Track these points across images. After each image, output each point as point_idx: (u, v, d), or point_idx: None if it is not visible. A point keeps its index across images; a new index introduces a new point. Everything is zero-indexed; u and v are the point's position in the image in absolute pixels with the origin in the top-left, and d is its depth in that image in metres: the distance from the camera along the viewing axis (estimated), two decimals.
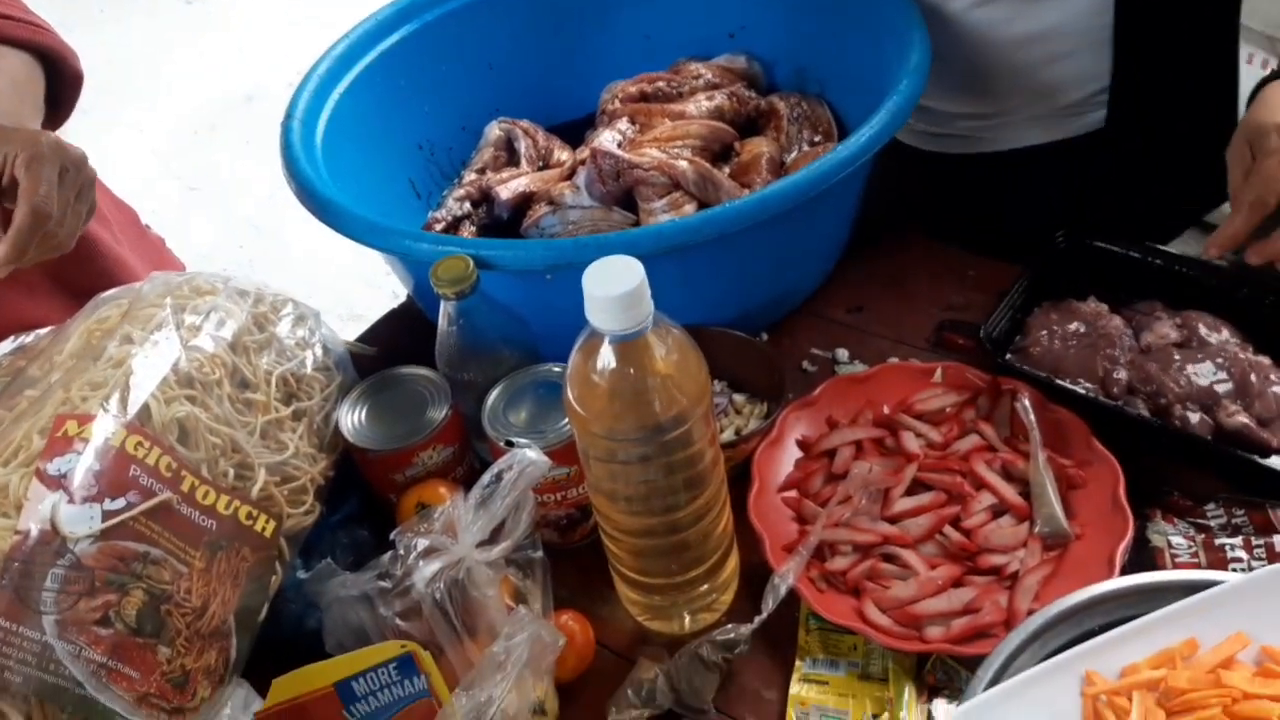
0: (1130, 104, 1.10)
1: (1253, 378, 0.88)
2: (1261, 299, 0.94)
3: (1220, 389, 0.88)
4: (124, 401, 0.72)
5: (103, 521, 0.67)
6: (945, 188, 1.26)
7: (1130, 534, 0.79)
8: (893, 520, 0.85)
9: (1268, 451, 0.85)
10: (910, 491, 0.87)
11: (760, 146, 1.13)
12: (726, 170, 1.12)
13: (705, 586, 0.81)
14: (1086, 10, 1.05)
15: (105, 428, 0.70)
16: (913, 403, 0.94)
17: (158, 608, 0.68)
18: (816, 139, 1.15)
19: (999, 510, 0.85)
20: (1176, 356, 0.91)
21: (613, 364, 0.67)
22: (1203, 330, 0.94)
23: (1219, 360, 0.90)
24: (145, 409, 0.73)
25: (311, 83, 1.12)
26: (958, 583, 0.81)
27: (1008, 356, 0.95)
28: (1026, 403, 0.89)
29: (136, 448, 0.70)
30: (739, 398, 0.98)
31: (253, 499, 0.77)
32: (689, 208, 1.06)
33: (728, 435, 0.94)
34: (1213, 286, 0.96)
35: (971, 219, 1.19)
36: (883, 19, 1.07)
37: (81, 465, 0.67)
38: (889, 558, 0.83)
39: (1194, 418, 0.87)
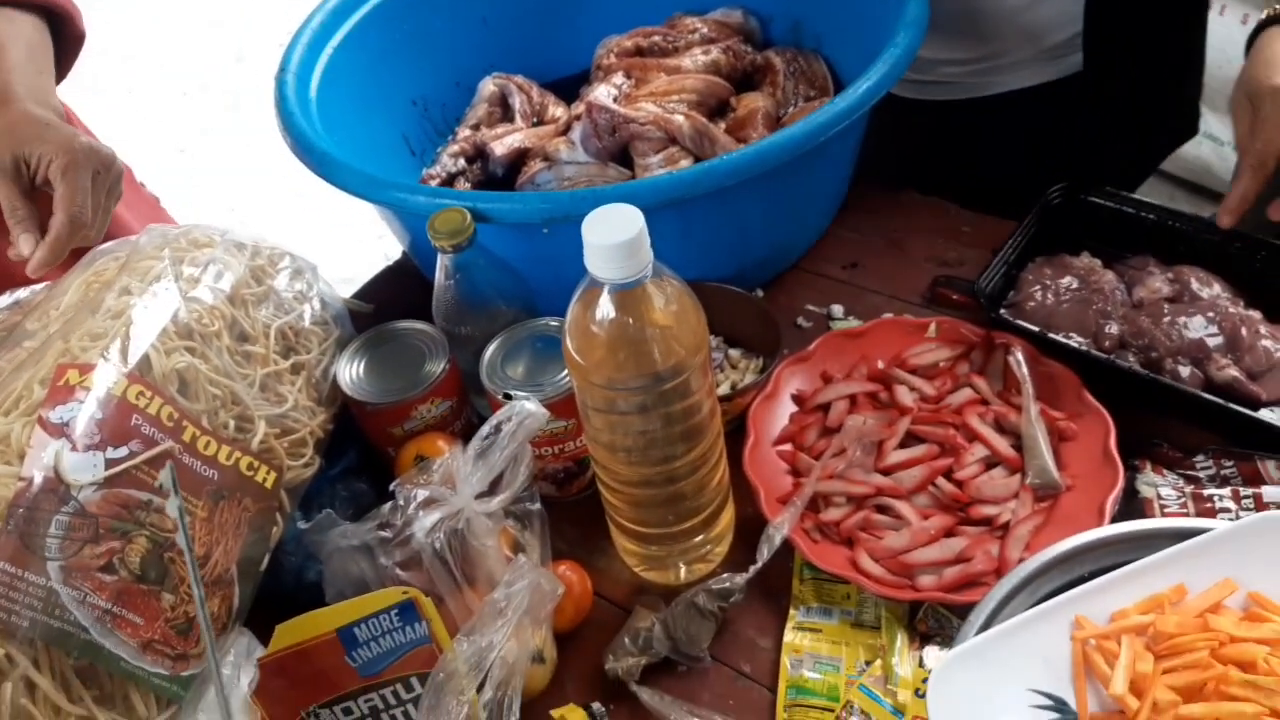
0: (1104, 45, 1.10)
1: (1243, 331, 0.89)
2: (1254, 254, 0.94)
3: (1211, 342, 0.89)
4: (124, 352, 0.72)
5: (106, 470, 0.67)
6: (926, 136, 1.26)
7: (1120, 485, 0.80)
8: (886, 472, 0.86)
9: (1257, 404, 0.85)
10: (904, 444, 0.88)
11: (756, 102, 1.12)
12: (722, 126, 1.11)
13: (701, 537, 0.82)
14: None
15: (106, 377, 0.70)
16: (907, 357, 0.94)
17: (161, 555, 0.68)
18: (812, 94, 1.15)
19: (991, 462, 0.86)
20: (1168, 310, 0.92)
21: (612, 313, 0.68)
22: (1194, 284, 0.94)
23: (1210, 314, 0.90)
24: (145, 359, 0.73)
25: (305, 36, 1.11)
26: (950, 533, 0.82)
27: (1001, 311, 0.96)
28: (1019, 356, 0.90)
29: (138, 397, 0.70)
30: (735, 353, 0.98)
31: (253, 450, 0.78)
32: (685, 163, 1.06)
33: (723, 390, 0.94)
34: (1205, 241, 0.96)
35: (953, 166, 1.19)
36: None
37: (84, 414, 0.67)
38: (882, 509, 0.84)
39: (1185, 371, 0.88)
